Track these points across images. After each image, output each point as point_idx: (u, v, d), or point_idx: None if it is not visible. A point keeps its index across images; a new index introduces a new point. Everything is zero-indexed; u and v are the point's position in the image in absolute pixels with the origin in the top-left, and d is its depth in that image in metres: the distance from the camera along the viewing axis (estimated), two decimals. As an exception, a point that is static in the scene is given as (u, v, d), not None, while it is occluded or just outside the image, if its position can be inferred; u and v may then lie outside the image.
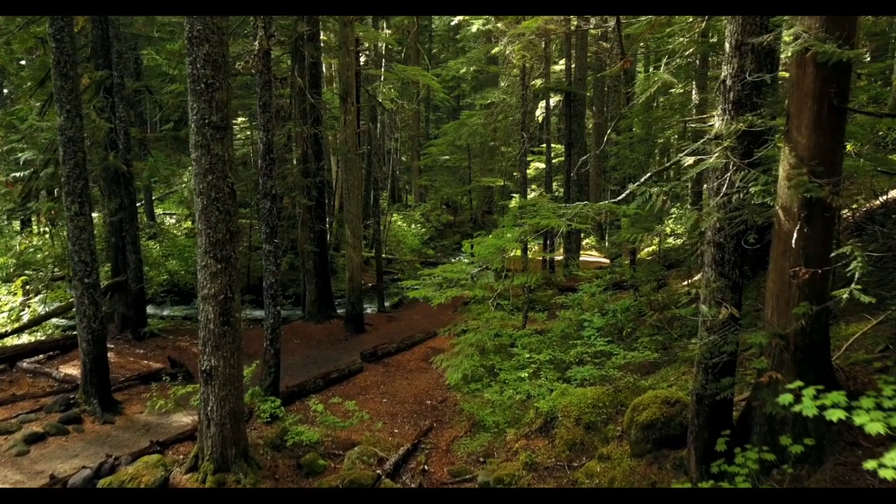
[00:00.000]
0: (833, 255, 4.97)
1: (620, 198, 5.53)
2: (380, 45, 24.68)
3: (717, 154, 5.09)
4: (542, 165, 26.34)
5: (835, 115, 4.93)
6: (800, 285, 5.12)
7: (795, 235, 5.05)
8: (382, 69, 24.44)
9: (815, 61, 4.81)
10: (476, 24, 23.17)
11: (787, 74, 11.73)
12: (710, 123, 6.79)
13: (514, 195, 28.96)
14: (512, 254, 5.79)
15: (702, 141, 5.66)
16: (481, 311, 5.33)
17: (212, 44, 6.86)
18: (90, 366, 9.60)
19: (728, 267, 5.73)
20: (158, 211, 25.80)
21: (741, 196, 5.30)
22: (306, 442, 8.86)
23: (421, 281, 5.71)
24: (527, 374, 9.85)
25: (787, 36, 5.49)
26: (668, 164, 5.69)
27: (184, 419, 9.78)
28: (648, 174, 5.45)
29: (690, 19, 11.72)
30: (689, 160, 5.28)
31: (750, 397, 5.98)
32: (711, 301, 5.77)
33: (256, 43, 9.13)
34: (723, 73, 5.61)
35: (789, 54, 4.82)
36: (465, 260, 24.84)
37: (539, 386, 9.56)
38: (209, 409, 7.61)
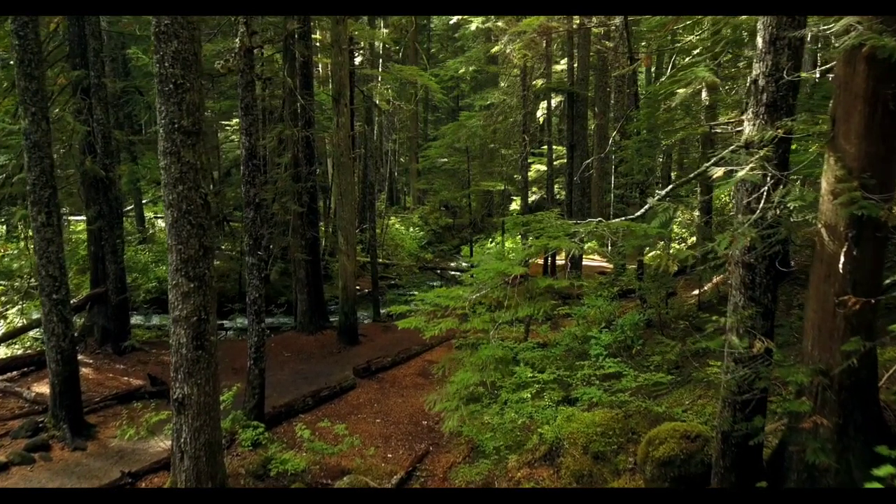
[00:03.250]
0: (887, 282, 4.33)
1: (638, 214, 4.87)
2: (376, 44, 24.01)
3: (751, 164, 4.42)
4: (543, 168, 25.67)
5: (889, 120, 4.27)
6: (846, 316, 4.46)
7: (842, 259, 4.39)
8: (379, 69, 23.77)
9: (868, 58, 4.15)
10: (475, 23, 22.52)
11: (806, 75, 11.02)
12: (736, 129, 6.12)
13: (515, 198, 28.30)
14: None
15: (730, 148, 4.99)
16: (480, 344, 4.69)
17: (181, 40, 6.19)
18: (60, 388, 8.93)
19: (759, 291, 5.06)
20: (149, 214, 25.09)
21: (777, 212, 4.64)
22: (292, 471, 8.21)
23: (412, 307, 5.04)
24: (529, 395, 9.17)
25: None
26: (691, 176, 5.03)
27: (161, 444, 9.10)
28: (670, 186, 4.78)
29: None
30: (718, 171, 4.61)
31: (784, 437, 5.32)
32: (741, 329, 5.11)
33: (238, 40, 8.46)
34: (754, 72, 4.94)
35: (838, 49, 4.15)
36: (464, 263, 24.07)
37: (543, 408, 8.89)
38: (182, 440, 6.94)
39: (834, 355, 4.58)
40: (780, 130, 4.59)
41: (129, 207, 24.70)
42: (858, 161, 4.31)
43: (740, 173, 4.43)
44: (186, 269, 6.59)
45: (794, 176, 6.76)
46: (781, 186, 4.36)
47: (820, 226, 4.58)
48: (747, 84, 5.32)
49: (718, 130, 6.95)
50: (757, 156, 4.37)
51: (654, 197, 4.90)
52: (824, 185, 4.52)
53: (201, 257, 6.65)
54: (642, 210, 4.81)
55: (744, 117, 5.12)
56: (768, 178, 4.42)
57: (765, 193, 4.44)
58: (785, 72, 4.68)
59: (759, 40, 4.87)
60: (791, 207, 4.47)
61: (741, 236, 4.31)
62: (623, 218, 4.69)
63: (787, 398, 6.63)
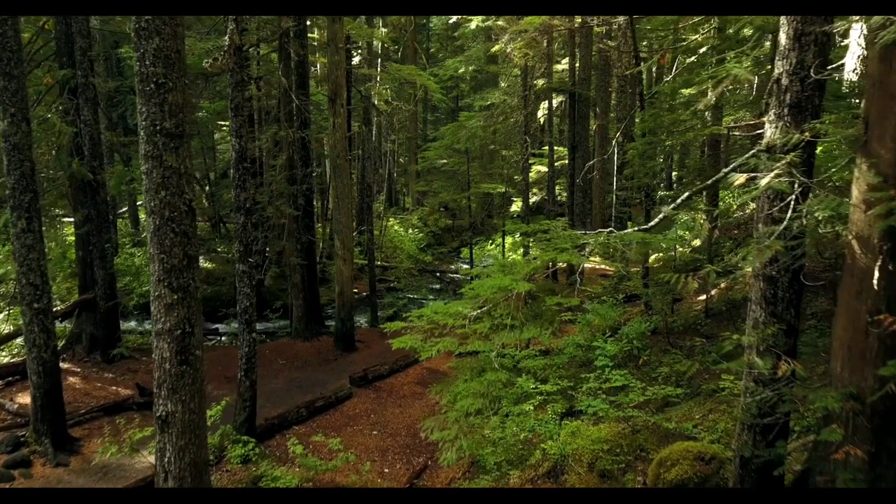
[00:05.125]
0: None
1: (651, 224, 4.50)
2: (374, 43, 23.63)
3: (777, 170, 4.06)
4: (544, 169, 25.29)
5: (930, 123, 3.90)
6: (881, 336, 4.09)
7: (876, 274, 4.01)
8: (378, 69, 23.39)
9: (907, 54, 3.78)
10: (475, 22, 22.16)
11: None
12: (753, 131, 5.76)
13: (516, 199, 27.92)
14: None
15: (751, 153, 4.63)
16: (482, 364, 4.35)
17: (163, 36, 5.83)
18: (41, 401, 8.56)
19: (782, 306, 4.70)
20: (144, 216, 24.71)
21: (803, 222, 4.27)
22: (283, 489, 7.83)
23: (407, 324, 4.68)
24: (531, 407, 8.81)
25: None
26: (709, 182, 4.67)
27: (147, 459, 8.70)
28: (686, 194, 4.42)
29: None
30: (740, 178, 4.24)
31: (809, 464, 4.96)
32: (762, 348, 4.74)
33: (227, 38, 8.09)
34: (776, 70, 4.58)
35: (876, 45, 3.79)
36: (464, 266, 23.59)
37: (545, 422, 8.52)
38: (166, 460, 6.55)
39: (866, 378, 4.21)
40: (806, 134, 4.22)
41: (123, 209, 24.36)
42: (894, 167, 3.94)
43: (765, 180, 4.06)
44: (169, 279, 6.23)
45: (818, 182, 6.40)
46: (811, 195, 3.98)
47: (850, 237, 4.21)
48: (758, 83, 4.95)
49: (737, 133, 6.57)
50: (783, 161, 4.00)
51: (659, 200, 4.59)
52: (855, 193, 4.15)
53: (185, 267, 6.28)
54: (656, 220, 4.45)
55: (764, 119, 4.76)
56: (796, 186, 4.05)
57: (791, 202, 4.06)
58: (812, 70, 4.32)
59: (783, 36, 4.51)
60: (819, 217, 4.09)
61: (766, 249, 3.94)
62: (636, 228, 4.33)
63: (806, 416, 6.27)
